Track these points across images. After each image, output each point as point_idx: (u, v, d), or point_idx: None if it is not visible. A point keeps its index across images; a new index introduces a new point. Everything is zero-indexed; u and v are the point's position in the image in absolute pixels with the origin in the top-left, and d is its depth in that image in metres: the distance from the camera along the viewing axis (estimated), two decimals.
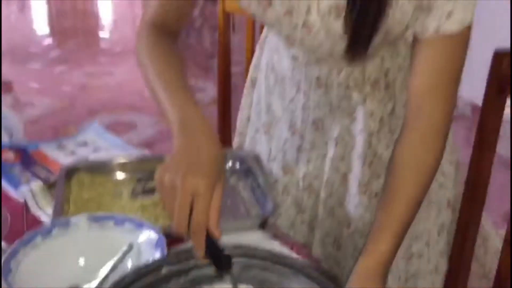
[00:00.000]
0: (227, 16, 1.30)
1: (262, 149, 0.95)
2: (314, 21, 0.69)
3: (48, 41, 4.81)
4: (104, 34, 5.23)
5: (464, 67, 0.67)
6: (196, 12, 4.86)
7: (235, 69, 1.39)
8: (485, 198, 0.88)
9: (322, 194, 0.89)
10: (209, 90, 3.32)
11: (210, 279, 0.62)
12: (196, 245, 0.55)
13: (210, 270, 0.59)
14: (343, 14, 0.65)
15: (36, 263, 0.63)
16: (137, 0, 7.33)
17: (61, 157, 0.97)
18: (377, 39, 0.67)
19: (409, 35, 0.68)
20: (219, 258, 0.56)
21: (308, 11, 0.68)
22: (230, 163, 0.94)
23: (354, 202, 0.87)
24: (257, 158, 0.92)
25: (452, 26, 0.63)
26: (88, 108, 3.07)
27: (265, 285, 0.62)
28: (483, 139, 0.85)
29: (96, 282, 0.62)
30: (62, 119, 2.92)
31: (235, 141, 1.05)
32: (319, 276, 0.60)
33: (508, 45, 0.84)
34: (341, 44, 0.69)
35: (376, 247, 0.60)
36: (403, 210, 0.63)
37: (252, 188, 0.88)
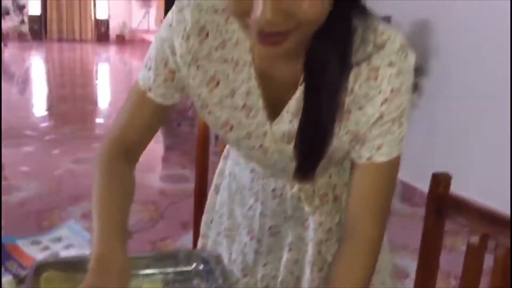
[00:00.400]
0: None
1: (223, 251, 1.01)
2: (269, 145, 0.78)
3: (45, 124, 4.96)
4: (99, 119, 5.40)
5: (394, 191, 0.77)
6: (189, 102, 5.09)
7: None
8: None
9: None
10: (193, 179, 3.41)
11: None
12: None
13: None
14: (294, 140, 0.74)
15: None
16: None
17: (34, 251, 1.02)
18: (322, 163, 0.76)
19: (350, 158, 0.78)
20: None
21: (264, 135, 0.78)
22: (194, 265, 1.00)
23: None
24: (218, 260, 0.98)
25: (381, 157, 0.73)
26: (73, 194, 3.11)
27: None
28: (426, 265, 0.91)
29: None
30: (46, 204, 2.96)
31: (199, 242, 1.10)
32: None
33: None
34: (292, 165, 0.77)
35: None
36: None
37: None
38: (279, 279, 0.95)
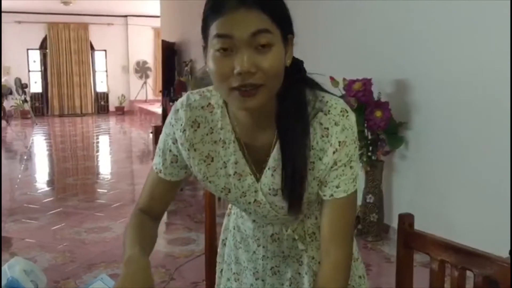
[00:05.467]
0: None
1: None
2: (261, 198, 1.01)
3: (49, 198, 5.10)
4: (102, 190, 5.55)
5: (354, 220, 0.99)
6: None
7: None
8: None
9: None
10: (200, 241, 3.54)
11: None
12: None
13: None
14: (279, 192, 0.97)
15: None
16: (134, 156, 7.90)
17: None
18: (305, 204, 0.99)
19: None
20: None
21: (256, 192, 1.01)
22: None
23: None
24: None
25: (340, 194, 0.95)
26: (85, 262, 3.21)
27: None
28: (401, 285, 1.10)
29: None
30: (63, 273, 3.06)
31: None
32: None
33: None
34: (281, 211, 1.01)
35: None
36: None
37: None
38: None
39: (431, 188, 3.41)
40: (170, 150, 1.02)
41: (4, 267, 1.24)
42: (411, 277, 1.08)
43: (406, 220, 1.08)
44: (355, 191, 0.96)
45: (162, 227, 4.02)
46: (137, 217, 1.05)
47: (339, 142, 0.92)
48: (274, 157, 0.96)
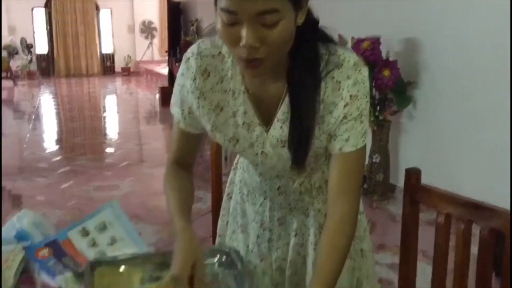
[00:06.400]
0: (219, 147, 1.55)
1: (240, 245, 1.22)
2: (268, 150, 1.00)
3: (58, 157, 5.14)
4: (110, 149, 5.61)
5: (362, 175, 0.98)
6: None
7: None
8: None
9: (288, 273, 1.15)
10: (207, 199, 3.60)
11: None
12: None
13: None
14: (286, 144, 0.96)
15: None
16: (140, 117, 7.91)
17: (84, 247, 1.21)
18: (311, 158, 0.99)
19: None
20: None
21: (263, 143, 1.00)
22: (217, 257, 1.20)
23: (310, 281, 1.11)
24: (237, 253, 1.18)
25: (349, 148, 0.94)
26: None
27: None
28: (406, 243, 1.10)
29: None
30: None
31: (217, 241, 1.32)
32: None
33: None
34: (288, 163, 1.00)
35: None
36: (325, 276, 0.88)
37: (234, 275, 1.12)
38: (289, 260, 1.15)
39: (439, 148, 3.40)
40: (185, 101, 1.01)
41: (13, 219, 1.26)
42: (417, 232, 1.08)
43: (413, 174, 1.07)
44: (364, 146, 0.96)
45: None
46: (171, 173, 1.07)
47: (351, 96, 0.91)
48: (283, 110, 0.95)
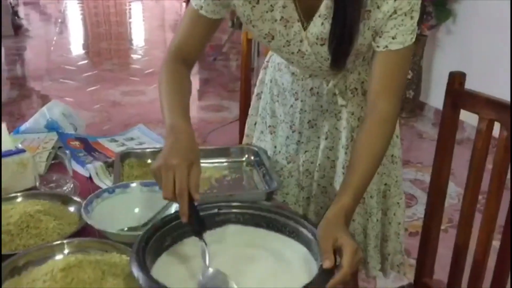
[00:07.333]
0: (249, 42, 1.51)
1: (267, 146, 1.20)
2: (306, 49, 0.95)
3: (84, 61, 5.16)
4: (136, 56, 5.57)
5: (406, 75, 0.92)
6: (225, 38, 5.19)
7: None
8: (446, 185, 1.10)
9: (316, 176, 1.14)
10: (233, 109, 3.60)
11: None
12: (180, 209, 0.72)
13: None
14: (326, 42, 0.91)
15: (104, 209, 0.89)
16: (166, 25, 7.77)
17: (113, 147, 1.23)
18: (351, 57, 0.93)
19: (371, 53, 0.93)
20: (196, 221, 0.73)
21: (301, 42, 0.94)
22: (245, 156, 1.20)
23: (341, 182, 1.09)
24: (265, 152, 1.17)
25: (396, 45, 0.88)
26: (122, 122, 3.33)
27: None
28: (442, 147, 1.07)
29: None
30: (100, 131, 3.18)
31: (244, 141, 1.30)
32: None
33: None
34: (326, 63, 0.95)
35: (340, 198, 0.80)
36: (359, 176, 0.84)
37: (263, 174, 1.12)
38: (317, 163, 1.14)
39: (476, 69, 3.26)
40: None
41: (43, 109, 1.27)
42: (454, 136, 1.04)
43: (457, 78, 1.01)
44: (412, 45, 0.89)
45: (194, 93, 4.03)
46: (170, 67, 0.95)
47: None
48: (327, 4, 0.88)
